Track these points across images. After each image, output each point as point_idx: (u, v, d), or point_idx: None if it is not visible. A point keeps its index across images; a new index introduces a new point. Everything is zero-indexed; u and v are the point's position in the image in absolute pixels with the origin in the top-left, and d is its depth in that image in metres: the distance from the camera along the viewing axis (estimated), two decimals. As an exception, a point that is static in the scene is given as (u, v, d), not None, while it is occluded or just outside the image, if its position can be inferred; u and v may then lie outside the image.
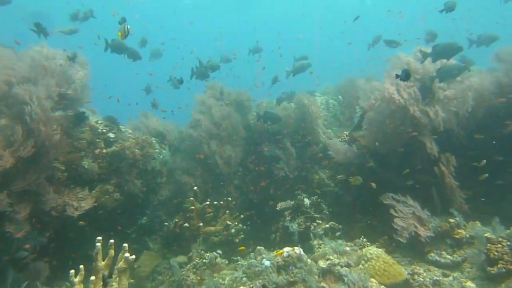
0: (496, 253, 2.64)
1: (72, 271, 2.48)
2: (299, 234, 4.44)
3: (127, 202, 4.34)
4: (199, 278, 3.82)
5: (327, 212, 4.82)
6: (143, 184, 4.55)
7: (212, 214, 5.04)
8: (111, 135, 4.39)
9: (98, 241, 2.73)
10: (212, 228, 4.86)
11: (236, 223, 4.99)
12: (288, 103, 6.56)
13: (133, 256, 2.83)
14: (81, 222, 3.75)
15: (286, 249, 3.45)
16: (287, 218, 4.63)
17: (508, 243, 2.65)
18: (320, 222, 4.62)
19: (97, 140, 4.28)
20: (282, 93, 6.27)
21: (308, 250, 4.25)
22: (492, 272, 2.59)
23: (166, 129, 6.34)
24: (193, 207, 4.79)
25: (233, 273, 3.78)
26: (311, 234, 4.36)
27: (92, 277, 2.55)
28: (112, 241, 2.87)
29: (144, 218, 5.33)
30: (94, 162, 4.08)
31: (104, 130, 4.42)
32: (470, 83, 4.12)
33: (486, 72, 4.23)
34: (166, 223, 4.70)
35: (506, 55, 4.00)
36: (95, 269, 2.68)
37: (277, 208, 5.11)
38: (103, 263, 2.79)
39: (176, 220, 4.69)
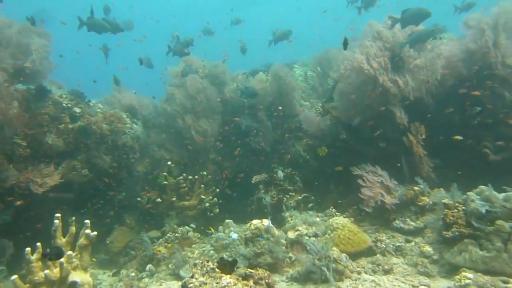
0: (451, 218, 2.70)
1: (28, 249, 2.44)
2: (271, 207, 4.48)
3: (96, 178, 4.26)
4: (169, 245, 3.84)
5: (300, 184, 4.85)
6: (113, 159, 4.47)
7: (186, 188, 5.02)
8: (77, 109, 4.25)
9: (57, 218, 2.68)
10: (187, 203, 4.86)
11: (211, 197, 4.99)
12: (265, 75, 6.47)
13: (95, 233, 2.80)
14: (51, 194, 3.67)
15: (255, 221, 3.48)
16: (261, 191, 4.64)
17: (464, 207, 2.71)
18: (293, 194, 4.65)
19: (62, 115, 4.14)
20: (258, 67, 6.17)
21: (281, 221, 4.30)
22: (447, 236, 2.66)
23: (140, 103, 6.18)
24: (166, 182, 4.76)
25: (204, 246, 3.82)
26: (283, 206, 4.39)
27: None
28: (73, 218, 2.83)
29: (123, 193, 5.27)
30: (59, 137, 3.96)
31: (70, 105, 4.27)
32: (440, 51, 4.08)
33: (456, 40, 4.18)
34: (139, 198, 4.66)
35: (473, 22, 3.94)
36: (53, 246, 2.65)
37: (252, 181, 5.12)
38: (63, 240, 2.76)
39: (149, 195, 4.66)
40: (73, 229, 2.79)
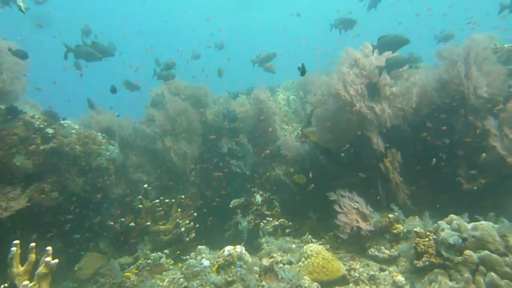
0: (422, 247, 2.67)
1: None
2: (248, 232, 4.38)
3: (67, 202, 4.11)
4: (134, 270, 3.69)
5: (279, 209, 4.78)
6: (86, 182, 4.34)
7: (162, 212, 4.90)
8: (50, 130, 4.15)
9: (15, 245, 2.54)
10: (162, 227, 4.72)
11: (188, 222, 4.87)
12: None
13: (55, 260, 2.66)
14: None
15: (228, 248, 3.39)
16: (239, 216, 4.55)
17: (434, 236, 2.69)
18: (271, 219, 4.58)
19: (34, 135, 4.03)
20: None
21: (257, 247, 4.21)
22: (418, 265, 2.61)
23: (119, 125, 6.10)
24: (140, 206, 4.63)
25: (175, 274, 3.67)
26: (260, 232, 4.30)
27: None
28: (33, 244, 2.69)
29: (98, 217, 5.10)
30: (28, 159, 3.83)
31: (42, 126, 4.17)
32: (414, 80, 4.17)
33: (430, 69, 4.29)
34: (112, 223, 4.51)
35: (446, 53, 4.07)
36: (9, 277, 2.50)
37: (230, 205, 5.04)
38: (21, 268, 2.61)
39: (123, 219, 4.51)
40: (32, 256, 2.64)
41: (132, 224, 4.40)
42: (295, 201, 5.02)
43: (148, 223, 4.54)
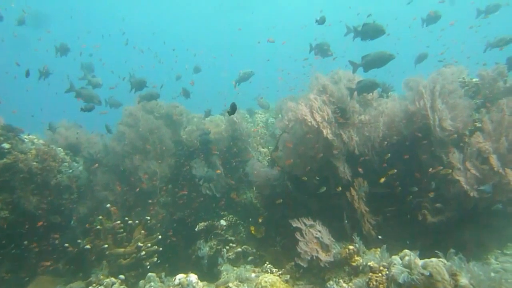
0: (375, 283, 2.56)
1: None
2: (209, 258, 4.22)
3: (18, 221, 3.91)
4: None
5: (244, 235, 4.64)
6: (41, 201, 4.15)
7: (124, 234, 4.70)
8: (6, 145, 3.99)
9: None
10: (121, 250, 4.52)
11: (150, 245, 4.68)
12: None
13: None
14: None
15: (179, 276, 3.22)
16: (200, 241, 4.39)
17: (387, 272, 2.59)
18: (234, 245, 4.43)
19: (-12, 150, 3.87)
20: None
21: (217, 275, 4.04)
22: (369, 304, 2.50)
23: (89, 141, 5.95)
24: (99, 227, 4.44)
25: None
26: (221, 259, 4.14)
27: None
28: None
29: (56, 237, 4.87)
30: (-22, 175, 3.66)
31: (-2, 140, 4.02)
32: (382, 109, 4.17)
33: (398, 99, 4.30)
34: (66, 244, 4.29)
35: (413, 83, 4.10)
36: None
37: (195, 229, 4.88)
38: None
39: (79, 241, 4.31)
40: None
41: (88, 246, 4.19)
42: (263, 226, 4.90)
43: (106, 245, 4.32)
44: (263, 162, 5.80)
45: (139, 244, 4.53)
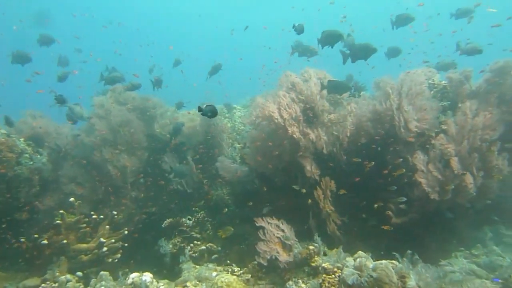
0: (327, 284, 2.54)
1: None
2: (171, 256, 4.14)
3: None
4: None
5: (211, 232, 4.57)
6: (-2, 193, 3.99)
7: (87, 229, 4.58)
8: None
9: None
10: (83, 246, 4.39)
11: (114, 240, 4.56)
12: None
13: None
14: None
15: (132, 275, 3.14)
16: (162, 239, 4.31)
17: (339, 273, 2.56)
18: (199, 243, 4.36)
19: None
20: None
21: (178, 273, 3.97)
22: (320, 306, 2.48)
23: (58, 132, 5.77)
24: (59, 222, 4.30)
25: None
26: (183, 257, 4.07)
27: None
28: None
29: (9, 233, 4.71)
30: None
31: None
32: (351, 109, 4.15)
33: (367, 99, 4.29)
34: (23, 239, 4.15)
35: (383, 84, 4.08)
36: None
37: (162, 225, 4.79)
38: None
39: (36, 236, 4.16)
40: None
41: (45, 241, 4.05)
42: (232, 223, 4.85)
43: (65, 241, 4.20)
44: (236, 158, 5.74)
45: (102, 240, 4.41)
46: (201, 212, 5.26)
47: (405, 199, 3.77)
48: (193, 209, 5.39)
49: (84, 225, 4.54)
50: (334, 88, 4.10)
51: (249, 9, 27.88)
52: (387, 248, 3.80)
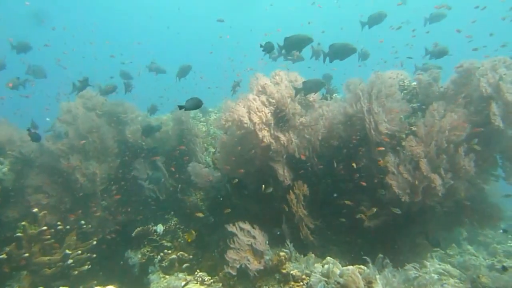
0: (294, 294, 2.46)
1: None
2: (140, 266, 3.98)
3: None
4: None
5: (182, 241, 4.43)
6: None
7: (52, 241, 4.36)
8: None
9: None
10: (46, 258, 4.18)
11: (80, 252, 4.36)
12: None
13: None
14: None
15: (95, 288, 2.97)
16: (129, 250, 4.14)
17: (307, 280, 2.49)
18: (170, 251, 4.21)
19: None
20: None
21: (147, 285, 3.82)
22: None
23: (22, 139, 5.51)
24: (19, 234, 4.07)
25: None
26: (153, 267, 3.92)
27: None
28: None
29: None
30: None
31: None
32: (322, 112, 4.11)
33: (338, 102, 4.27)
34: (-20, 253, 3.90)
35: (353, 86, 4.07)
36: None
37: (132, 235, 4.62)
38: None
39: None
40: None
41: (3, 256, 3.82)
42: (206, 230, 4.73)
43: (27, 254, 3.97)
44: (210, 163, 5.62)
45: (67, 251, 4.21)
46: (174, 220, 5.13)
47: (384, 192, 3.73)
48: (166, 216, 5.24)
49: (49, 236, 4.33)
50: (309, 88, 4.06)
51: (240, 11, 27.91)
52: (360, 252, 3.77)
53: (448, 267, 5.40)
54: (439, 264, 5.58)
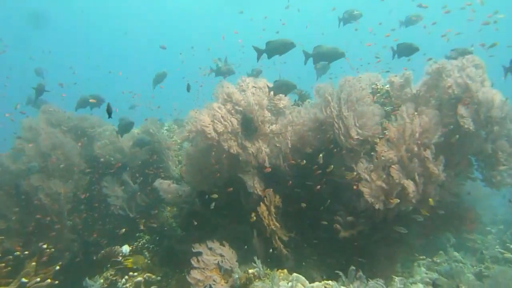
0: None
1: None
2: (102, 292, 3.69)
3: None
4: None
5: (149, 261, 4.15)
6: None
7: (9, 268, 4.04)
8: None
9: None
10: (1, 288, 3.85)
11: (39, 279, 4.04)
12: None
13: None
14: None
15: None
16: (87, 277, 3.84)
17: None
18: (136, 273, 3.92)
19: None
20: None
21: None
22: None
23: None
24: (-32, 263, 3.75)
25: None
26: (116, 291, 3.63)
27: None
28: None
29: None
30: None
31: None
32: (292, 118, 3.93)
33: (309, 107, 4.09)
34: None
35: (322, 91, 3.90)
36: None
37: (94, 258, 4.32)
38: None
39: None
40: None
41: None
42: (176, 248, 4.45)
43: (-25, 285, 3.64)
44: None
45: (23, 280, 3.89)
46: (145, 238, 4.85)
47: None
48: (136, 234, 4.96)
49: (3, 264, 4.01)
50: (279, 88, 3.90)
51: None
52: (337, 264, 3.57)
53: (435, 275, 5.22)
54: (426, 273, 5.40)
